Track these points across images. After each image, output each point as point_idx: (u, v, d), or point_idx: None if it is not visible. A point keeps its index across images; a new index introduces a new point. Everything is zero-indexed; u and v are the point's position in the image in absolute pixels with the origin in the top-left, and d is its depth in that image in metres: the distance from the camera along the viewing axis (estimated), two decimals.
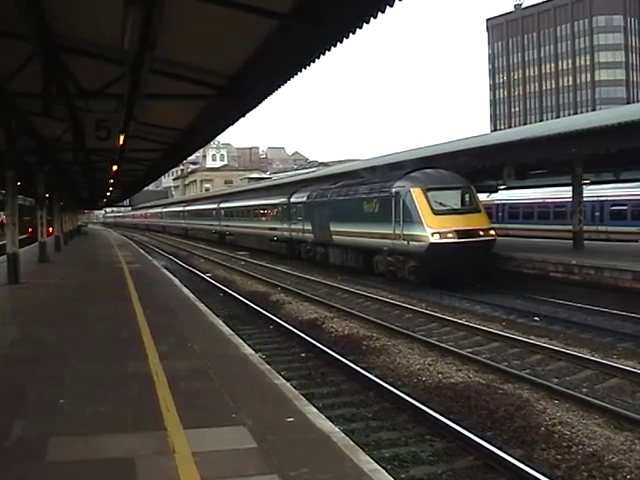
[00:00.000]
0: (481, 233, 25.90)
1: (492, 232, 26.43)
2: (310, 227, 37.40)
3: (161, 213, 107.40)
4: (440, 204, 26.10)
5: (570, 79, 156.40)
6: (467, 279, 25.60)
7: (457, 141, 31.55)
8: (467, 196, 27.00)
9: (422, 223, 25.59)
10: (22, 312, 16.07)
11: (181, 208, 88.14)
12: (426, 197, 26.06)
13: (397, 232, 26.89)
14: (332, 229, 33.73)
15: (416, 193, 26.29)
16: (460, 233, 25.26)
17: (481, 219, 26.78)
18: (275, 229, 44.45)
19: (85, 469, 6.17)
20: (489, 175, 30.99)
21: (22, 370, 9.91)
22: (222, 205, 63.48)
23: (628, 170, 31.61)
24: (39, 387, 8.93)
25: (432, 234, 25.16)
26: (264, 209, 48.46)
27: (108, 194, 56.77)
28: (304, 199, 38.89)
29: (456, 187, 27.00)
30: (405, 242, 26.38)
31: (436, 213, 25.82)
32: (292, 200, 41.21)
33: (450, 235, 25.18)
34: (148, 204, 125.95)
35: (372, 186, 30.23)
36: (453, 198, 26.61)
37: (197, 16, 10.29)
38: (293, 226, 40.61)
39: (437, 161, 28.38)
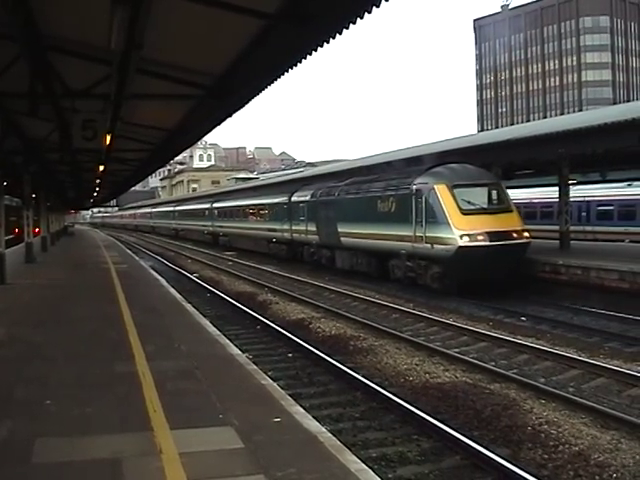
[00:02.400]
0: (514, 235, 23.39)
1: (526, 234, 23.93)
2: (314, 228, 34.69)
3: (150, 213, 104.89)
4: (468, 203, 23.49)
5: (557, 80, 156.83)
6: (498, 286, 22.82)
7: (444, 141, 31.53)
8: (497, 194, 24.48)
9: (449, 224, 22.93)
10: (8, 313, 16.03)
11: (171, 208, 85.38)
12: (452, 195, 23.41)
13: (418, 234, 24.27)
14: (340, 230, 31.06)
15: (441, 190, 23.62)
16: (492, 235, 22.71)
17: (513, 219, 24.22)
18: (274, 230, 41.75)
19: (71, 470, 6.16)
20: None
21: (8, 371, 9.90)
22: (215, 205, 60.97)
23: (614, 170, 31.76)
24: (25, 388, 8.92)
25: (460, 236, 22.54)
26: (262, 209, 45.56)
27: (95, 194, 56.48)
28: (307, 198, 36.12)
29: (485, 184, 24.45)
30: (428, 245, 23.73)
31: (464, 213, 23.19)
32: (294, 199, 38.54)
33: (481, 237, 22.60)
34: (137, 204, 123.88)
35: (388, 183, 27.44)
36: (482, 196, 24.06)
37: (184, 16, 10.26)
38: (295, 227, 37.98)
39: (424, 162, 28.08)
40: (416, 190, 24.64)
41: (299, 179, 46.30)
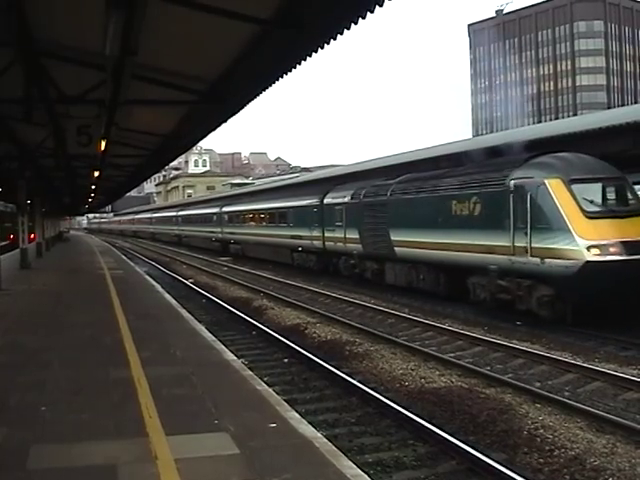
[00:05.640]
0: None
1: None
2: (356, 235, 28.76)
3: (150, 219, 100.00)
4: (591, 203, 17.95)
5: (551, 84, 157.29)
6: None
7: (439, 146, 31.31)
8: (625, 191, 18.74)
9: (569, 231, 17.41)
10: (3, 319, 16.00)
11: (174, 213, 79.93)
12: (571, 193, 17.90)
13: (519, 244, 18.56)
14: (394, 238, 25.42)
15: (554, 187, 18.05)
16: (628, 246, 17.16)
17: None
18: (300, 237, 35.80)
19: (67, 476, 6.15)
20: None
21: (3, 377, 9.88)
22: (225, 209, 54.69)
23: None
24: (21, 394, 8.90)
25: (588, 248, 17.04)
26: (284, 213, 39.25)
27: (90, 200, 56.53)
28: (346, 199, 30.24)
29: (610, 178, 18.67)
30: (535, 259, 18.07)
31: (589, 216, 17.66)
32: (327, 201, 32.74)
33: (614, 249, 17.11)
34: (136, 209, 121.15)
35: (467, 178, 21.59)
36: (608, 194, 18.47)
37: (179, 22, 10.28)
38: (328, 234, 32.17)
39: (418, 167, 27.86)
40: (515, 186, 18.98)
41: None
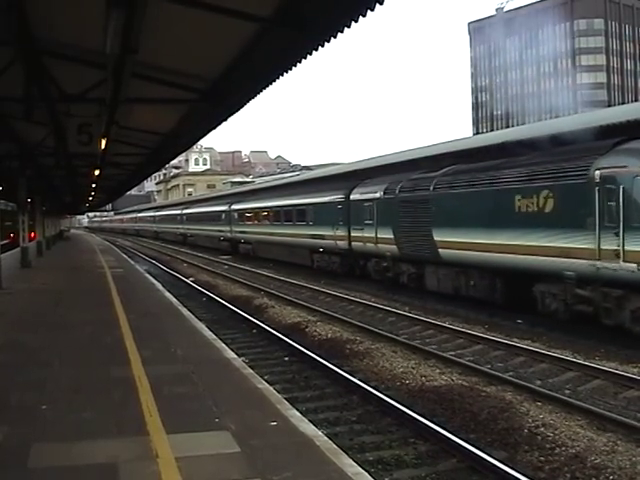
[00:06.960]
0: None
1: None
2: (390, 235, 25.83)
3: (153, 217, 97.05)
4: None
5: (552, 82, 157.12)
6: None
7: (441, 144, 31.14)
8: None
9: None
10: (4, 318, 16.00)
11: (179, 211, 77.03)
12: None
13: (607, 247, 15.48)
14: (437, 239, 22.40)
15: None
16: None
17: None
18: (322, 237, 32.73)
19: (68, 475, 6.15)
20: None
21: (4, 376, 9.87)
22: (235, 207, 51.97)
23: None
24: (21, 393, 8.90)
25: None
26: (303, 210, 36.06)
27: (90, 199, 56.50)
28: (378, 195, 27.29)
29: None
30: (631, 265, 14.89)
31: None
32: (354, 197, 29.80)
33: None
34: (138, 207, 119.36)
35: (535, 169, 18.37)
36: None
37: (179, 20, 10.27)
38: (355, 233, 29.26)
39: (419, 165, 27.78)
40: (602, 178, 15.83)
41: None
